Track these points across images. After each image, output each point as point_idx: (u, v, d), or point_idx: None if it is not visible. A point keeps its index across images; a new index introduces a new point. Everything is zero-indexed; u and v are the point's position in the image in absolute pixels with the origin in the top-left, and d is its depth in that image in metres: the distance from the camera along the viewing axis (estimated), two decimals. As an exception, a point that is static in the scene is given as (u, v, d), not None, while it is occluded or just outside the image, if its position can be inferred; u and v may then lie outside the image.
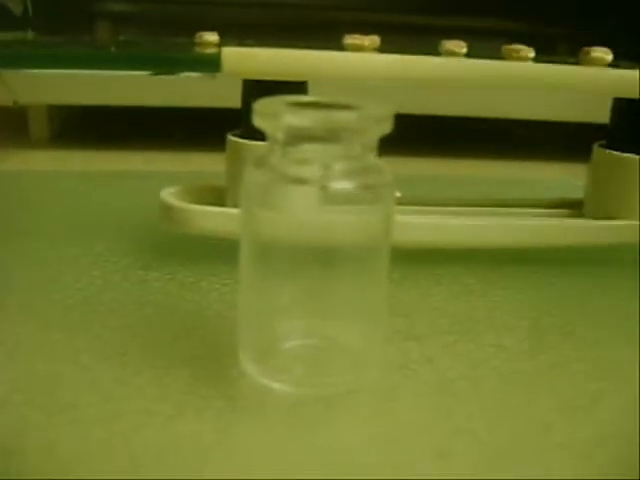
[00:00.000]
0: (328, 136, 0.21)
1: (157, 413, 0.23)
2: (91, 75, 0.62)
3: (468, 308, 0.32)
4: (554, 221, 0.38)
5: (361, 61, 0.33)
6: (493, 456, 0.22)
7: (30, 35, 0.72)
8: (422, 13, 0.87)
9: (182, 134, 0.76)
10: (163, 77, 0.60)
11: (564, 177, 0.61)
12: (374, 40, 0.38)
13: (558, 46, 0.90)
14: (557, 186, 0.53)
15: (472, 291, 0.34)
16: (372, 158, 0.23)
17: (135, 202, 0.46)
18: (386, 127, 0.22)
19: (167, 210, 0.34)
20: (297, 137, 0.22)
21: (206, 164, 0.60)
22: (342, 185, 0.22)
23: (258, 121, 0.22)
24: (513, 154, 0.72)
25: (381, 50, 0.37)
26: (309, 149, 0.22)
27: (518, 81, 0.35)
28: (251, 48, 0.32)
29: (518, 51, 0.38)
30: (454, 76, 0.34)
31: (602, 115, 0.39)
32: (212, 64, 0.33)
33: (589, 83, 0.35)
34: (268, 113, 0.22)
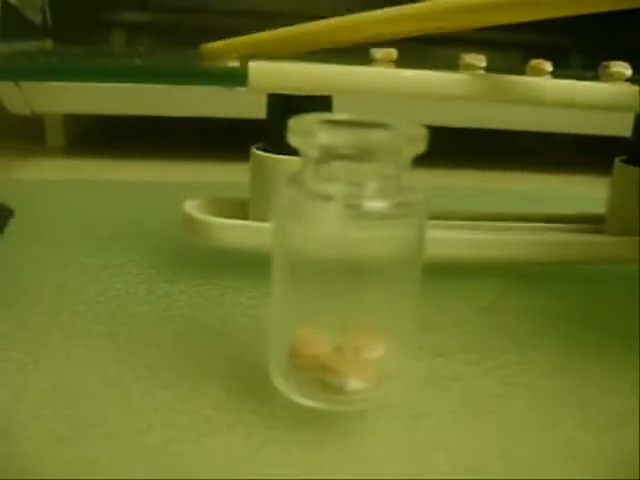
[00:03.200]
0: (362, 155, 0.21)
1: (188, 428, 0.23)
2: (108, 84, 0.62)
3: (492, 324, 0.32)
4: (576, 237, 0.38)
5: (388, 76, 0.33)
6: (521, 473, 0.22)
7: (49, 44, 0.73)
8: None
9: (198, 143, 0.76)
10: (181, 87, 0.60)
11: (583, 190, 0.61)
12: (390, 52, 0.38)
13: (569, 56, 0.90)
14: (576, 199, 0.53)
15: (495, 307, 0.34)
16: (406, 177, 0.23)
17: (154, 213, 0.46)
18: (420, 146, 0.22)
19: (190, 223, 0.35)
20: (330, 155, 0.22)
21: (223, 174, 0.61)
22: (375, 204, 0.22)
23: (292, 138, 0.22)
24: (531, 167, 0.72)
25: (398, 62, 0.37)
26: (342, 167, 0.22)
27: (541, 98, 0.35)
28: (278, 63, 0.32)
29: (541, 65, 0.38)
30: (480, 93, 0.34)
31: (621, 128, 0.39)
32: (238, 78, 0.33)
33: (613, 100, 0.35)
34: (302, 131, 0.22)
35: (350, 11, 0.36)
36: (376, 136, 0.22)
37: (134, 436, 0.22)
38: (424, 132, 0.22)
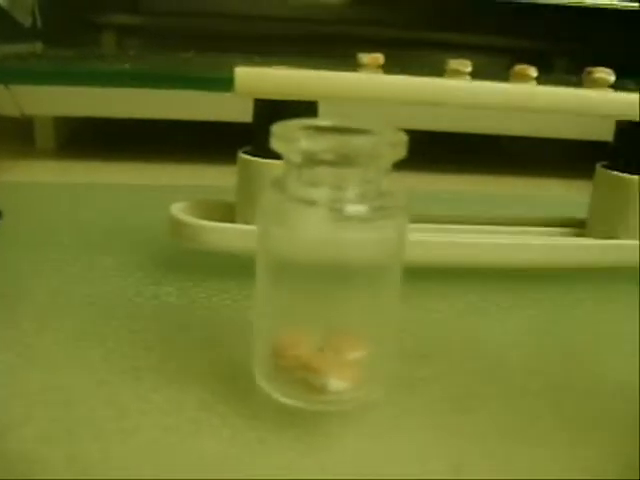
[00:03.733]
0: (343, 160, 0.22)
1: (175, 429, 0.23)
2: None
3: (473, 326, 0.33)
4: (557, 240, 0.39)
5: (373, 82, 0.33)
6: (502, 471, 0.22)
7: (39, 47, 0.73)
8: (421, 29, 0.88)
9: (186, 147, 0.76)
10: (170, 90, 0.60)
11: (566, 194, 0.62)
12: (377, 58, 0.39)
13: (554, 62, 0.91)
14: (559, 203, 0.53)
15: (476, 309, 0.35)
16: (387, 181, 0.23)
17: (142, 215, 0.47)
18: (400, 152, 0.23)
19: (177, 225, 0.35)
20: (313, 160, 0.22)
21: (211, 177, 0.61)
22: (357, 208, 0.23)
23: (275, 143, 0.23)
24: (514, 170, 0.73)
25: (385, 67, 0.38)
26: (324, 172, 0.23)
27: (527, 105, 0.35)
28: (264, 68, 0.33)
29: (526, 71, 0.39)
30: (466, 100, 0.34)
31: (604, 133, 0.39)
32: (225, 84, 0.34)
33: (595, 106, 0.35)
34: (285, 136, 0.23)
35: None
36: (357, 142, 0.22)
37: (122, 436, 0.23)
38: (404, 138, 0.23)
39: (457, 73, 0.38)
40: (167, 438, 0.23)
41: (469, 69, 0.38)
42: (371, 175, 0.23)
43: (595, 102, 0.36)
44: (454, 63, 0.39)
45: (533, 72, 0.39)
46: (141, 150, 0.70)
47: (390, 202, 0.23)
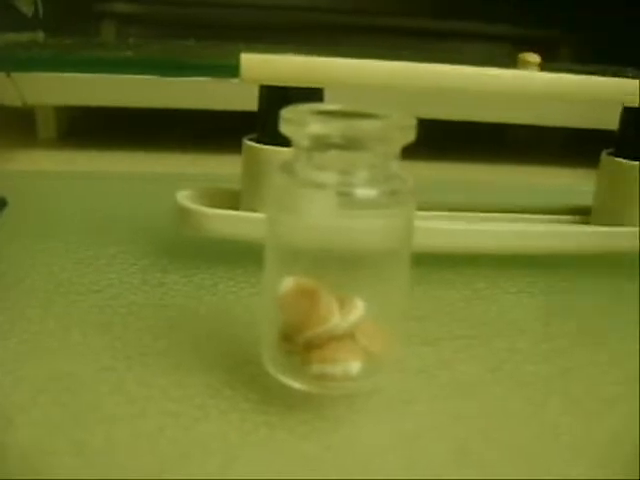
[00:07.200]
0: (352, 144, 0.22)
1: (182, 414, 0.23)
2: (99, 76, 0.62)
3: (480, 312, 0.33)
4: (563, 227, 0.39)
5: (378, 68, 0.33)
6: (508, 457, 0.22)
7: (40, 36, 0.72)
8: (419, 16, 0.88)
9: (189, 135, 0.76)
10: (173, 78, 0.60)
11: (570, 182, 0.62)
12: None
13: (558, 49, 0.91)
14: (564, 191, 0.53)
15: (483, 296, 0.34)
16: (395, 166, 0.23)
17: (146, 204, 0.47)
18: (409, 136, 0.23)
19: (183, 213, 0.35)
20: (322, 144, 0.22)
21: (213, 166, 0.61)
22: (365, 192, 0.22)
23: (284, 128, 0.23)
24: (519, 159, 0.73)
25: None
26: (333, 156, 0.22)
27: (532, 92, 0.35)
28: (270, 55, 0.32)
29: (529, 58, 0.39)
30: (468, 85, 0.34)
31: (609, 120, 0.39)
32: (230, 70, 0.33)
33: (599, 93, 0.35)
34: (294, 120, 0.23)
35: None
36: (367, 125, 0.22)
37: (128, 422, 0.23)
38: (413, 122, 0.23)
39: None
40: (174, 423, 0.23)
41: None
42: (380, 159, 0.23)
43: (597, 88, 0.36)
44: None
45: (536, 59, 0.39)
46: (143, 139, 0.70)
47: (399, 186, 0.23)
